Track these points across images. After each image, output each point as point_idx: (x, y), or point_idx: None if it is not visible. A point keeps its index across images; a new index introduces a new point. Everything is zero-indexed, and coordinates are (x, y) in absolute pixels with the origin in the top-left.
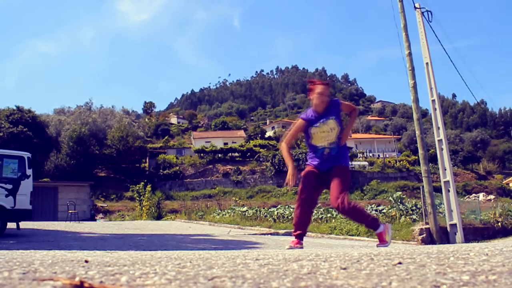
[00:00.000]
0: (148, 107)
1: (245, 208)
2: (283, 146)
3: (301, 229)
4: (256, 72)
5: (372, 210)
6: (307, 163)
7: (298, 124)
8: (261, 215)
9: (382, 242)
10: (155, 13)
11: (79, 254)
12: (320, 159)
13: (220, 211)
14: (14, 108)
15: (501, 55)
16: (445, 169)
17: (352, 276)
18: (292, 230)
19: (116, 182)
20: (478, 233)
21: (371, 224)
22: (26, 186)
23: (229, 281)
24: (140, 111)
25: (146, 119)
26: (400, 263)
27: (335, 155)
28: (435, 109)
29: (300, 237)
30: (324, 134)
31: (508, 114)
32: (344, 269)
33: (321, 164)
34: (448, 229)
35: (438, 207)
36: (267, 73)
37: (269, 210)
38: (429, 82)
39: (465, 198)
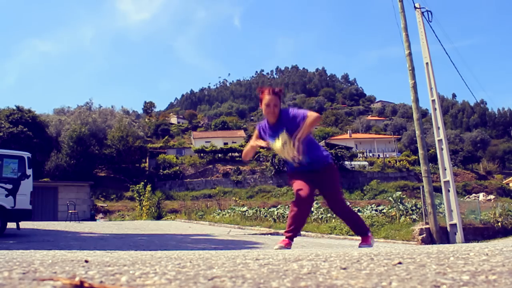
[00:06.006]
0: (148, 107)
1: (245, 208)
2: (246, 157)
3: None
4: (256, 72)
5: (372, 210)
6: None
7: (255, 133)
8: (261, 215)
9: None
10: (155, 12)
11: (79, 254)
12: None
13: (220, 211)
14: (14, 108)
15: (501, 55)
16: (445, 169)
17: (352, 276)
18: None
19: (116, 182)
20: (478, 233)
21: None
22: (26, 186)
23: (229, 281)
24: (140, 111)
25: (146, 119)
26: (400, 263)
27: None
28: (435, 109)
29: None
30: (280, 150)
31: (507, 114)
32: (344, 269)
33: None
34: (448, 229)
35: (438, 207)
36: (267, 73)
37: (269, 210)
38: (429, 82)
39: (465, 198)
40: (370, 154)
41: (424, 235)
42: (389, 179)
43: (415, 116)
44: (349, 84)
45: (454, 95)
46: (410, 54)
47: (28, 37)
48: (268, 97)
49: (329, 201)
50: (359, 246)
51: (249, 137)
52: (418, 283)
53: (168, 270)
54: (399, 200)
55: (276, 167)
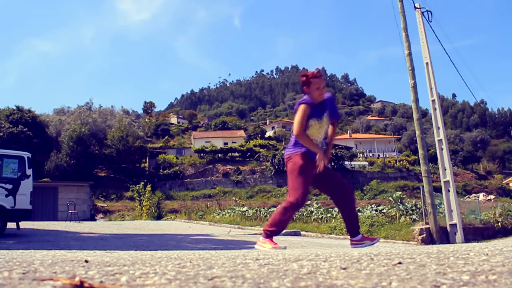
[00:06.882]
0: (148, 107)
1: (245, 208)
2: (304, 136)
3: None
4: (256, 72)
5: (372, 210)
6: (297, 150)
7: (306, 110)
8: (261, 215)
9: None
10: (155, 12)
11: (79, 254)
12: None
13: (220, 211)
14: (14, 108)
15: (501, 55)
16: (445, 169)
17: (352, 276)
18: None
19: (116, 182)
20: (478, 233)
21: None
22: (26, 186)
23: (229, 281)
24: (140, 111)
25: (146, 119)
26: (400, 263)
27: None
28: (435, 109)
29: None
30: (321, 130)
31: (507, 114)
32: (344, 269)
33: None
34: (448, 229)
35: (438, 207)
36: (267, 73)
37: (269, 210)
38: (429, 82)
39: (465, 198)
40: (370, 154)
41: (424, 235)
42: (389, 179)
43: (415, 116)
44: (349, 84)
45: (454, 95)
46: (410, 54)
47: (28, 37)
48: (318, 80)
49: (336, 181)
50: (365, 245)
51: (249, 137)
52: (418, 283)
53: (168, 270)
54: (399, 200)
55: (276, 167)
